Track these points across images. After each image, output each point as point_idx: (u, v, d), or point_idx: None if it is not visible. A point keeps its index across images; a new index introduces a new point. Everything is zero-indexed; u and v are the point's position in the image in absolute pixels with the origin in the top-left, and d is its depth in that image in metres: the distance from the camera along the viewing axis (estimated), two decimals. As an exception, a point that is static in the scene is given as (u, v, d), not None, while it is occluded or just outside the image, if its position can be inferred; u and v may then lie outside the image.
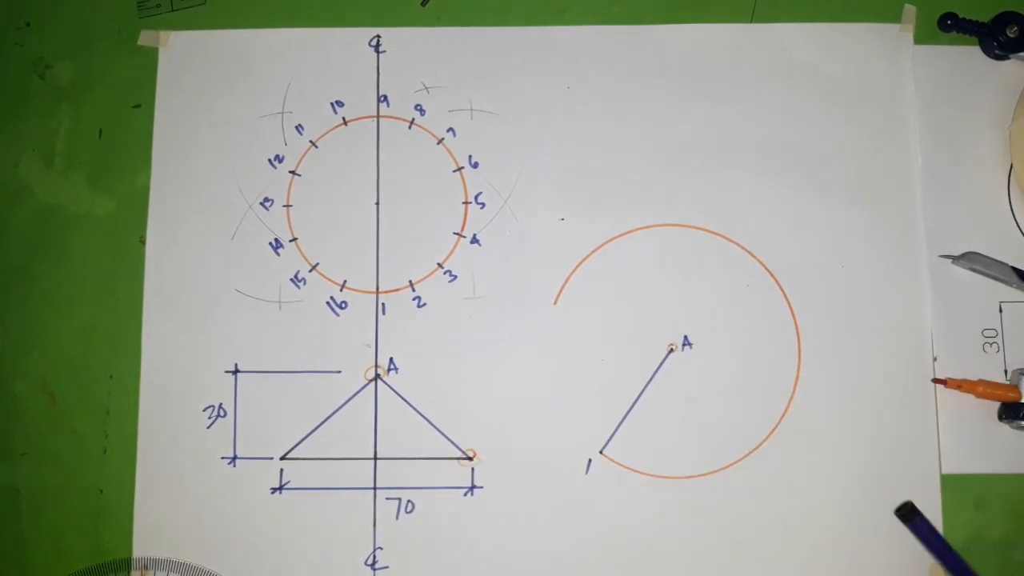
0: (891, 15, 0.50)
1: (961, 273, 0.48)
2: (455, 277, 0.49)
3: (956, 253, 0.47)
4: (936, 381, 0.47)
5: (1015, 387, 0.46)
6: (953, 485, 0.46)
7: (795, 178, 0.49)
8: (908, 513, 0.45)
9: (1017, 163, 0.48)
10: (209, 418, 0.48)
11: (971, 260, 0.47)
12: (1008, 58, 0.49)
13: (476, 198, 0.49)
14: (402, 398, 0.48)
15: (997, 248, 0.48)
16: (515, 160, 0.50)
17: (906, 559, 0.46)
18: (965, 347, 0.47)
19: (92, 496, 0.47)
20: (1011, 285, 0.47)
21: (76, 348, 0.48)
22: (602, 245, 0.49)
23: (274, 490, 0.47)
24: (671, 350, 0.48)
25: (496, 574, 0.46)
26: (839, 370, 0.48)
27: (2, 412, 0.48)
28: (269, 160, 0.50)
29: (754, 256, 0.49)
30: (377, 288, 0.49)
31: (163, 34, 0.51)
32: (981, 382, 0.46)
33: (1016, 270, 0.47)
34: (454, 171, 0.50)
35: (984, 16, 0.49)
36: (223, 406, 0.48)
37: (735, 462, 0.47)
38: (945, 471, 0.47)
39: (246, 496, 0.47)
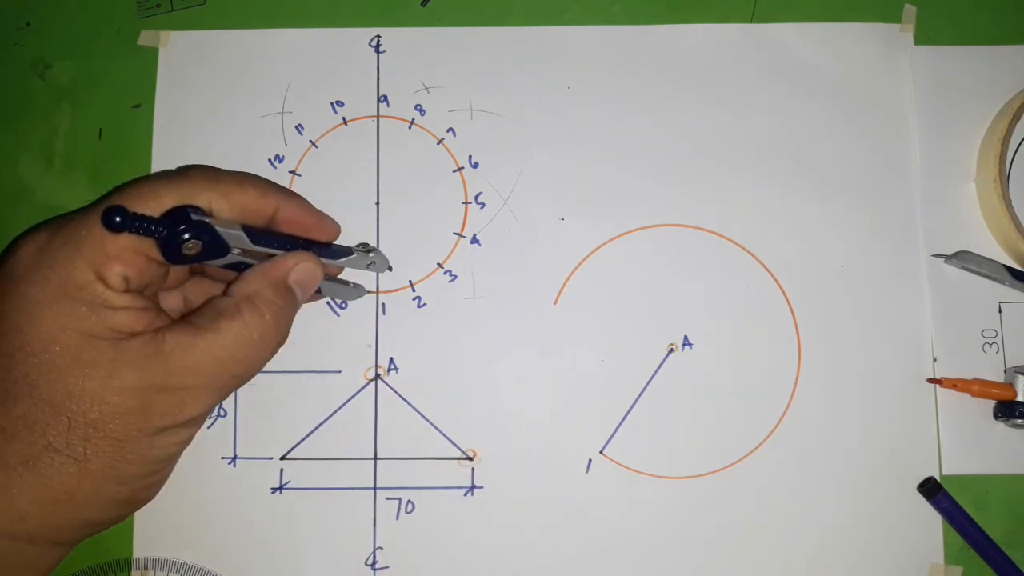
0: (891, 15, 0.50)
1: (959, 273, 0.48)
2: (455, 277, 0.49)
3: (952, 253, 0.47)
4: (932, 381, 0.47)
5: (1010, 386, 0.46)
6: (954, 486, 0.46)
7: (795, 178, 0.49)
8: (931, 488, 0.46)
9: (987, 218, 0.48)
10: (209, 418, 0.48)
11: (963, 259, 0.47)
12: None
13: (476, 198, 0.49)
14: (402, 398, 0.48)
15: (997, 249, 0.48)
16: (515, 160, 0.50)
17: (907, 558, 0.46)
18: (965, 348, 0.47)
19: (92, 496, 0.47)
20: (1004, 283, 0.47)
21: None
22: (602, 245, 0.49)
23: (274, 490, 0.47)
24: (671, 350, 0.48)
25: (496, 574, 0.46)
26: (839, 370, 0.48)
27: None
28: (269, 160, 0.50)
29: (754, 256, 0.49)
30: (377, 288, 0.49)
31: (163, 34, 0.51)
32: (977, 381, 0.46)
33: (1009, 268, 0.47)
34: (454, 171, 0.50)
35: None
36: (223, 406, 0.48)
37: (736, 462, 0.47)
38: (945, 472, 0.47)
39: (246, 496, 0.47)
